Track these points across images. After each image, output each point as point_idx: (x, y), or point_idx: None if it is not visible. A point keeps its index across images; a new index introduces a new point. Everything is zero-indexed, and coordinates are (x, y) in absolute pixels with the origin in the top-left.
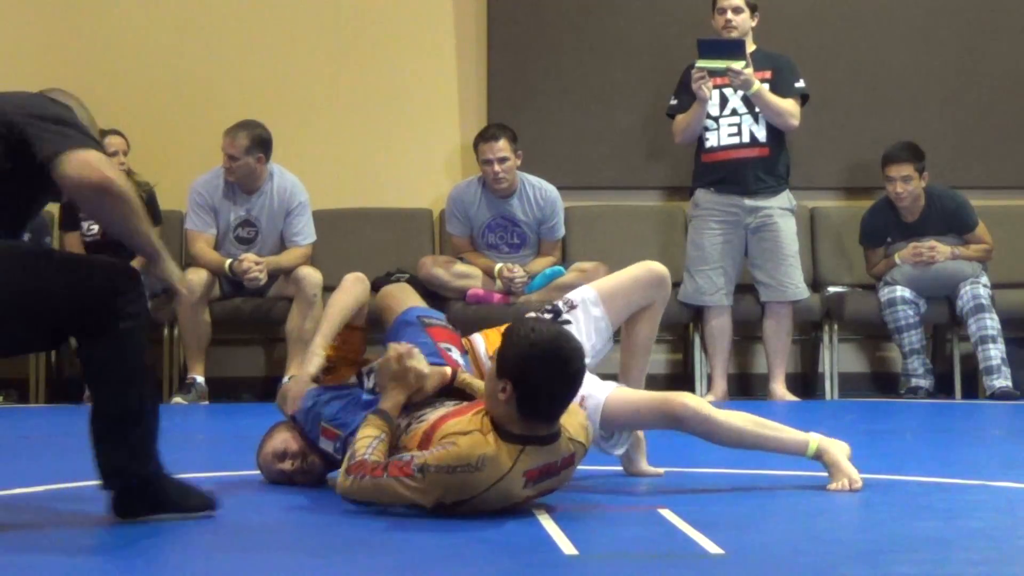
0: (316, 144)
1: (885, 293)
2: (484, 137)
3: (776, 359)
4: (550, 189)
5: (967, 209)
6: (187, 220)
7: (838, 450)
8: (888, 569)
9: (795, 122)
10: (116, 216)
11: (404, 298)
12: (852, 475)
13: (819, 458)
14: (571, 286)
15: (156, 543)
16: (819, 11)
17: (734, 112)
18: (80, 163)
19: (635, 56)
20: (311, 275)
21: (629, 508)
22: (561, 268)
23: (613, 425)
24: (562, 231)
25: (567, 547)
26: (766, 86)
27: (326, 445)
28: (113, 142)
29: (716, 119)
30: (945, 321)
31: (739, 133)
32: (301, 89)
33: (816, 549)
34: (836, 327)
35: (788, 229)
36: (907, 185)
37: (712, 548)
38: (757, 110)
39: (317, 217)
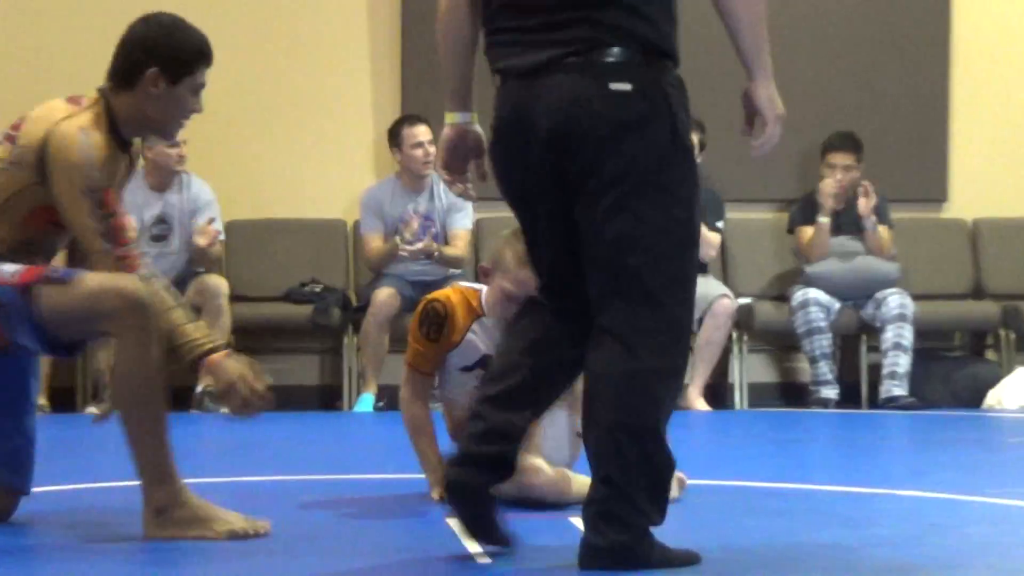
0: (227, 155)
1: (798, 296)
2: (409, 122)
3: (704, 366)
4: None
5: (886, 205)
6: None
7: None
8: None
9: (714, 253)
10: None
11: None
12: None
13: None
14: None
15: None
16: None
17: None
18: None
19: None
20: (217, 283)
21: None
22: None
23: None
24: (469, 223)
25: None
26: None
27: None
28: None
29: None
30: (853, 332)
31: None
32: (210, 100)
33: (730, 557)
34: (746, 337)
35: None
36: (848, 174)
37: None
38: None
39: (229, 228)
